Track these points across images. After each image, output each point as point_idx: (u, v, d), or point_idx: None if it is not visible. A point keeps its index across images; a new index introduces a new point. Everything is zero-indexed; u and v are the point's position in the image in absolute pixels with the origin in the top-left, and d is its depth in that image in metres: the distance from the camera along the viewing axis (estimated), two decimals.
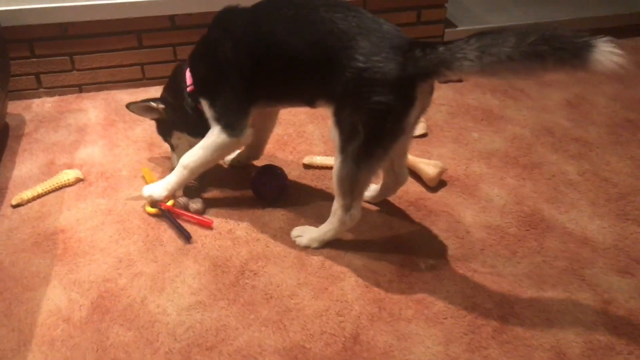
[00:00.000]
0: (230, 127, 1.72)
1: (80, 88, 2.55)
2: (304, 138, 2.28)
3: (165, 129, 1.96)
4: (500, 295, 1.61)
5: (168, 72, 2.55)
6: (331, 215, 1.72)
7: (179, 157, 1.91)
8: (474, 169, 2.12)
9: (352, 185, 1.62)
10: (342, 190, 1.64)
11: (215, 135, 1.74)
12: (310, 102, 1.70)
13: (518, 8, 3.13)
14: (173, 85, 1.88)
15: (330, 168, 2.07)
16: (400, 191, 1.97)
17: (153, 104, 1.89)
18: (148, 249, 1.75)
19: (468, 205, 1.94)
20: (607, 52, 1.26)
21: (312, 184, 2.03)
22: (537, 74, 1.36)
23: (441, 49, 1.42)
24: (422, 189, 2.01)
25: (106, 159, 2.13)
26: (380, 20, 1.55)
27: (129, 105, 1.91)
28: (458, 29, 2.90)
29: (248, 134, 1.75)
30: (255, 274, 1.67)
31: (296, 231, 1.80)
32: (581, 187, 2.04)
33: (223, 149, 1.77)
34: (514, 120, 2.42)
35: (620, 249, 1.77)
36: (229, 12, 1.73)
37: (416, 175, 2.05)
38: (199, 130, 1.82)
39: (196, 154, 1.78)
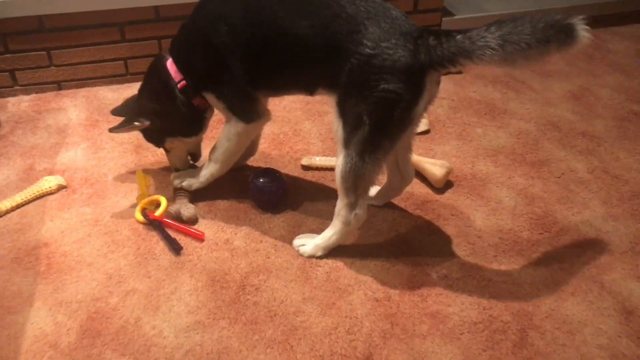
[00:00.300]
0: (246, 113, 1.66)
1: (58, 85, 2.39)
2: (301, 137, 2.16)
3: (155, 137, 1.81)
4: (518, 306, 1.52)
5: None
6: (334, 217, 1.62)
7: (178, 158, 1.79)
8: (481, 167, 2.02)
9: (356, 180, 1.52)
10: (346, 186, 1.54)
11: (234, 125, 1.67)
12: (311, 90, 1.59)
13: None
14: (157, 87, 1.71)
15: (331, 169, 1.98)
16: (405, 193, 1.87)
17: (137, 124, 1.71)
18: (140, 263, 1.62)
19: (477, 208, 1.84)
20: (584, 30, 1.29)
21: (313, 186, 1.92)
22: (543, 59, 1.34)
23: (459, 37, 1.35)
24: (429, 191, 1.90)
25: (90, 163, 1.98)
26: (388, 5, 1.47)
27: (111, 130, 1.72)
28: (455, 17, 2.79)
29: (266, 113, 1.70)
30: (256, 288, 1.55)
31: (298, 240, 1.69)
32: (592, 185, 1.95)
33: (247, 136, 1.73)
34: (517, 114, 2.32)
35: (638, 253, 1.70)
36: None
37: (421, 176, 1.95)
38: (194, 128, 1.74)
39: (223, 146, 1.73)
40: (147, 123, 1.71)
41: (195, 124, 1.75)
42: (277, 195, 1.81)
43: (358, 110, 1.44)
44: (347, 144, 1.48)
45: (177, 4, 2.32)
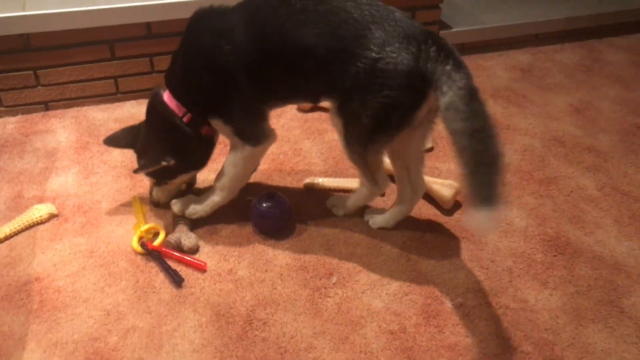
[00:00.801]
0: (253, 136, 1.61)
1: (46, 105, 2.29)
2: (302, 156, 2.09)
3: (166, 175, 1.68)
4: (538, 335, 1.46)
5: (144, 85, 2.36)
6: (359, 186, 1.73)
7: (170, 192, 1.71)
8: None
9: (364, 163, 1.61)
10: (359, 167, 1.64)
11: (240, 150, 1.63)
12: (316, 98, 1.60)
13: (512, 8, 2.99)
14: (162, 126, 1.60)
15: (335, 190, 1.91)
16: (413, 216, 1.81)
17: (165, 163, 1.60)
18: (139, 298, 1.53)
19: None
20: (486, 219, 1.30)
21: (317, 208, 1.84)
22: None
23: (447, 67, 1.36)
24: (437, 212, 1.84)
25: (82, 189, 1.89)
26: (392, 8, 1.45)
27: (136, 171, 1.64)
28: (453, 30, 2.75)
29: (272, 134, 1.66)
30: (264, 323, 1.47)
31: (331, 200, 1.82)
32: (602, 203, 1.91)
33: (254, 160, 1.71)
34: (521, 130, 2.28)
35: None
36: (210, 15, 1.52)
37: (429, 196, 1.88)
38: (206, 158, 1.69)
39: (230, 173, 1.67)
40: (172, 162, 1.60)
41: (206, 153, 1.68)
42: (281, 220, 1.74)
43: (359, 113, 1.47)
44: (347, 134, 1.55)
45: (169, 20, 2.24)
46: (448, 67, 1.35)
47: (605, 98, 2.53)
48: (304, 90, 1.57)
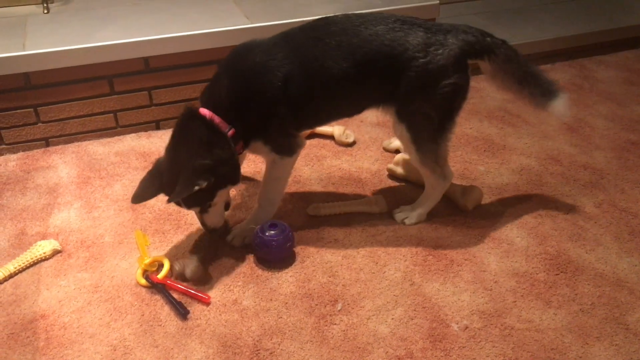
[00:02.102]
0: (288, 151, 1.76)
1: (47, 142, 2.31)
2: (302, 184, 2.11)
3: (203, 197, 1.61)
4: (545, 355, 1.47)
5: (144, 118, 2.39)
6: (428, 189, 1.88)
7: (218, 214, 1.71)
8: (488, 207, 1.98)
9: (436, 160, 1.79)
10: (430, 168, 1.79)
11: (279, 163, 1.76)
12: (360, 112, 1.82)
13: (501, 30, 3.05)
14: (207, 140, 1.57)
15: (339, 214, 1.92)
16: (416, 238, 1.83)
17: (197, 187, 1.54)
18: (145, 332, 1.53)
19: (490, 250, 1.80)
20: (562, 105, 1.74)
21: (319, 235, 1.86)
22: (514, 93, 1.82)
23: (488, 38, 1.72)
24: (439, 235, 1.86)
25: (85, 224, 1.90)
26: (399, 16, 1.70)
27: (170, 200, 1.56)
28: None
29: (303, 141, 1.80)
30: (271, 353, 1.47)
31: (400, 214, 1.91)
32: (601, 220, 1.93)
33: (292, 166, 1.83)
34: (517, 150, 2.31)
35: None
36: (256, 49, 1.66)
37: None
38: (239, 173, 1.70)
39: (275, 186, 1.82)
40: (204, 184, 1.55)
41: (239, 168, 1.70)
42: (284, 248, 1.74)
43: (424, 110, 1.68)
44: (418, 139, 1.73)
45: (167, 55, 2.28)
46: (487, 38, 1.72)
47: (598, 115, 2.57)
48: (346, 109, 1.80)
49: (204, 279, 1.68)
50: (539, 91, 1.75)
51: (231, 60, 1.69)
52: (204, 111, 1.61)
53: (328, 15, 1.74)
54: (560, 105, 1.74)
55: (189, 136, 1.59)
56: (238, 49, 1.69)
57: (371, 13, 1.75)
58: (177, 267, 1.67)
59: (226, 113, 1.61)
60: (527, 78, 1.75)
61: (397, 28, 1.65)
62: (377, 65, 1.65)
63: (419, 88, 1.65)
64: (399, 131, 1.74)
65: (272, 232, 1.73)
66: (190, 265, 1.67)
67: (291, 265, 1.74)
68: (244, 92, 1.63)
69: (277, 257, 1.75)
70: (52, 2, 2.55)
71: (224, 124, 1.61)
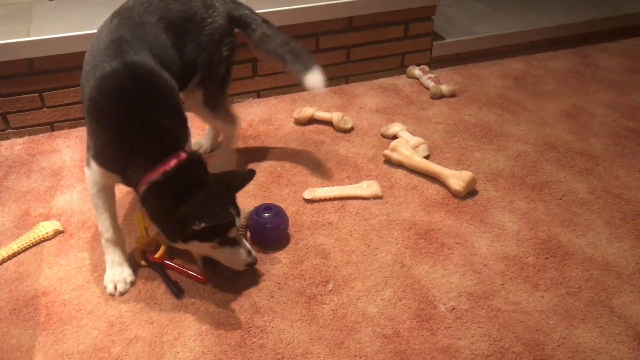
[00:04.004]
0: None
1: (52, 126, 2.37)
2: (299, 169, 2.14)
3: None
4: (529, 336, 1.50)
5: None
6: (226, 136, 2.06)
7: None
8: (482, 192, 2.01)
9: (227, 110, 1.99)
10: (223, 118, 1.98)
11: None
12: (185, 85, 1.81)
13: (504, 17, 3.05)
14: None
15: (335, 199, 1.96)
16: (408, 223, 1.86)
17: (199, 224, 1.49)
18: (142, 309, 1.59)
19: (481, 235, 1.83)
20: (316, 79, 1.84)
21: (314, 219, 1.89)
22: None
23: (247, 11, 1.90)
24: (431, 219, 1.89)
25: (87, 206, 1.95)
26: None
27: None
28: (446, 41, 2.81)
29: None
30: (262, 330, 1.52)
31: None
32: (594, 206, 1.94)
33: None
34: (514, 136, 2.32)
35: None
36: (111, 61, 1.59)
37: (419, 196, 1.94)
38: None
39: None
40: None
41: None
42: (278, 231, 1.79)
43: (217, 68, 1.82)
44: (212, 97, 1.87)
45: None
46: (246, 11, 1.89)
47: (598, 103, 2.57)
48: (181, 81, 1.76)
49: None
50: (298, 67, 1.86)
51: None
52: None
53: (124, 3, 1.73)
54: (311, 79, 1.83)
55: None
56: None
57: None
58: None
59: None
60: (286, 55, 1.87)
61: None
62: (183, 26, 1.72)
63: (211, 48, 1.77)
64: (195, 97, 1.84)
65: (267, 214, 1.77)
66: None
67: (285, 247, 1.78)
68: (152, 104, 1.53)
69: (271, 239, 1.79)
70: None
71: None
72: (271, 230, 1.77)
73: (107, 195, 1.62)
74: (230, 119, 2.02)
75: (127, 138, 1.47)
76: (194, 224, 1.43)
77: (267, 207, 1.79)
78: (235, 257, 1.58)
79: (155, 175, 1.45)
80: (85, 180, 1.63)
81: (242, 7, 1.90)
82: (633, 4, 3.21)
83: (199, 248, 1.56)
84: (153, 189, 1.46)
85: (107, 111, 1.48)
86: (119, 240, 1.66)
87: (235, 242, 1.56)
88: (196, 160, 1.52)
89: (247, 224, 1.80)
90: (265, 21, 1.91)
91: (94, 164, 1.55)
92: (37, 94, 2.29)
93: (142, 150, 1.47)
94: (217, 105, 1.92)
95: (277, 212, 1.78)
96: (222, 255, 1.57)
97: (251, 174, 1.63)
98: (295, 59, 1.87)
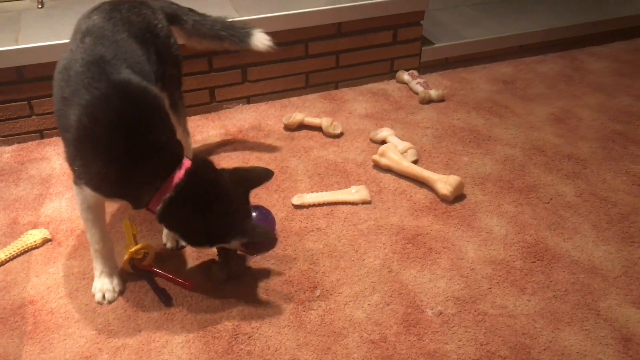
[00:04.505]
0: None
1: (41, 134, 2.37)
2: (288, 174, 2.15)
3: None
4: (515, 340, 1.51)
5: None
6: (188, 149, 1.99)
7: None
8: (469, 196, 2.02)
9: (185, 119, 1.98)
10: (184, 126, 1.95)
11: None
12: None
13: (493, 21, 3.07)
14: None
15: (324, 204, 1.96)
16: (396, 227, 1.87)
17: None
18: (129, 317, 1.59)
19: (468, 239, 1.83)
20: (261, 38, 1.93)
21: (303, 224, 1.90)
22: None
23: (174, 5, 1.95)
24: (419, 224, 1.89)
25: (75, 214, 1.95)
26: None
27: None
28: (435, 45, 2.83)
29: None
30: (249, 337, 1.52)
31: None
32: (581, 209, 1.96)
33: None
34: (502, 140, 2.33)
35: (631, 277, 1.69)
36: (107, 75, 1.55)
37: (408, 201, 1.94)
38: None
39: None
40: None
41: None
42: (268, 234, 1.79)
43: (172, 72, 1.83)
44: (173, 103, 1.85)
45: None
46: (174, 5, 1.93)
47: (586, 106, 2.58)
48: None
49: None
50: (237, 38, 1.93)
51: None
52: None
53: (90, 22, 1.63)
54: (257, 39, 1.92)
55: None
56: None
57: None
58: (217, 270, 1.68)
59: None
60: (221, 33, 1.93)
61: (135, 7, 1.74)
62: (145, 38, 1.69)
63: (165, 51, 1.77)
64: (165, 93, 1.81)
65: (255, 216, 1.77)
66: (236, 262, 1.69)
67: (273, 253, 1.79)
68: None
69: (260, 245, 1.79)
70: None
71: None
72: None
73: (97, 210, 1.60)
74: (187, 129, 1.99)
75: (130, 163, 1.41)
76: (233, 239, 1.51)
77: (255, 208, 1.79)
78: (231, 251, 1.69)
79: (168, 191, 1.44)
80: (76, 197, 1.59)
81: (169, 3, 1.94)
82: (620, 8, 3.24)
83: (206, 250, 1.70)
84: (171, 206, 1.44)
85: (104, 138, 1.40)
86: (108, 251, 1.66)
87: None
88: (202, 164, 1.51)
89: None
90: (191, 10, 1.95)
91: (87, 189, 1.50)
92: (25, 102, 2.29)
93: (148, 171, 1.44)
94: (180, 108, 1.91)
95: (263, 214, 1.79)
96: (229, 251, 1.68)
97: (269, 174, 1.63)
98: (232, 32, 1.92)
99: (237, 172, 1.58)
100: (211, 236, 1.51)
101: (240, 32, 1.93)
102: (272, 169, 2.14)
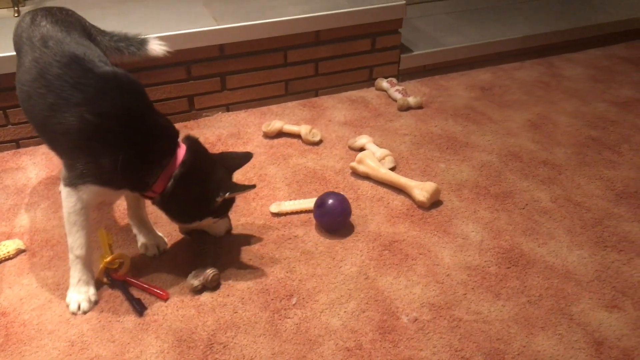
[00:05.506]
0: None
1: (17, 143, 2.35)
2: (266, 182, 2.15)
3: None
4: (489, 346, 1.52)
5: None
6: None
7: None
8: (446, 203, 2.03)
9: None
10: None
11: None
12: None
13: (471, 29, 3.10)
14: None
15: (302, 212, 1.97)
16: (373, 234, 1.87)
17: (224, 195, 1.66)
18: (103, 327, 1.57)
19: (444, 245, 1.85)
20: (156, 43, 1.95)
21: (280, 232, 1.90)
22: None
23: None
24: (396, 230, 1.90)
25: (50, 224, 1.94)
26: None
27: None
28: (414, 53, 2.85)
29: None
30: (224, 346, 1.52)
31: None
32: (556, 214, 1.98)
33: None
34: (479, 147, 2.35)
35: (604, 281, 1.71)
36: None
37: (385, 208, 1.95)
38: None
39: None
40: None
41: None
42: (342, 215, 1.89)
43: None
44: None
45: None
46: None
47: (562, 112, 2.62)
48: None
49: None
50: (135, 47, 1.94)
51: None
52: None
53: (43, 29, 1.66)
54: (152, 45, 1.95)
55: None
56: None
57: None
58: (195, 282, 1.66)
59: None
60: (120, 44, 1.92)
61: (64, 11, 1.77)
62: (86, 37, 1.77)
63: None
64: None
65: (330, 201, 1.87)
66: (210, 275, 1.67)
67: (250, 262, 1.78)
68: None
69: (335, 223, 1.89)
70: (24, 6, 2.58)
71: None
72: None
73: (87, 213, 1.60)
74: None
75: (141, 147, 1.51)
76: (219, 195, 1.62)
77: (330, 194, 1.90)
78: (223, 225, 1.83)
79: (173, 169, 1.55)
80: (64, 199, 1.57)
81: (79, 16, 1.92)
82: (596, 15, 3.29)
83: (207, 223, 1.72)
84: (181, 181, 1.56)
85: (113, 129, 1.47)
86: (88, 258, 1.65)
87: (226, 215, 1.81)
88: (197, 141, 1.66)
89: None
90: (92, 25, 1.91)
91: (89, 187, 1.53)
92: (1, 111, 2.27)
93: (157, 153, 1.54)
94: None
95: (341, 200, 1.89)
96: (215, 225, 1.80)
97: (249, 156, 1.78)
98: (129, 42, 1.93)
99: (220, 155, 1.75)
100: (211, 208, 1.66)
101: (136, 41, 1.94)
102: (250, 177, 2.16)
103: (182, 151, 1.58)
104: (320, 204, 1.88)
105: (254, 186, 1.69)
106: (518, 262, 1.78)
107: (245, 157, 1.77)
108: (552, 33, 3.12)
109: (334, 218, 1.88)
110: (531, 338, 1.54)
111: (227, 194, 1.63)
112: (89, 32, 1.81)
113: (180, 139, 1.64)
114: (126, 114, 1.50)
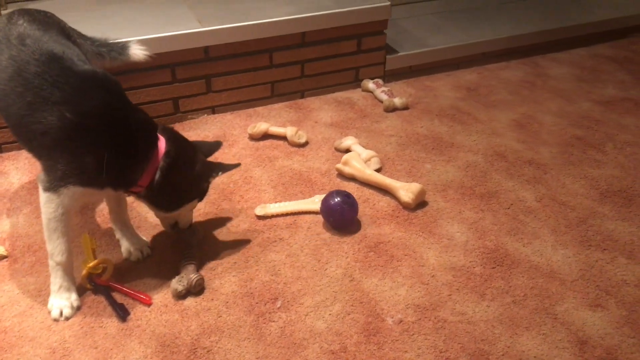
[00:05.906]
0: None
1: None
2: (252, 184, 2.14)
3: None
4: (474, 346, 1.52)
5: None
6: None
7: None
8: (431, 203, 2.03)
9: None
10: None
11: None
12: None
13: (456, 29, 3.11)
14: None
15: (287, 214, 1.96)
16: (358, 236, 1.87)
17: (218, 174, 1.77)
18: (86, 333, 1.56)
19: (429, 246, 1.85)
20: (137, 48, 1.94)
21: (265, 235, 1.89)
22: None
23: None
24: (381, 232, 1.90)
25: (33, 229, 1.92)
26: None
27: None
28: (399, 54, 2.85)
29: None
30: (208, 351, 1.50)
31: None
32: (540, 214, 1.98)
33: None
34: (465, 147, 2.36)
35: (588, 280, 1.72)
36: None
37: (371, 209, 1.95)
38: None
39: None
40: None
41: None
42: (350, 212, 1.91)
43: None
44: None
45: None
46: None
47: (547, 112, 2.63)
48: None
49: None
50: (116, 52, 1.93)
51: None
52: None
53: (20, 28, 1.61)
54: (134, 50, 1.94)
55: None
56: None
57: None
58: (179, 287, 1.64)
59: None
60: (101, 50, 1.91)
61: (41, 13, 1.74)
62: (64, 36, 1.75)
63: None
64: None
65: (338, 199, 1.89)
66: (195, 280, 1.66)
67: (234, 265, 1.77)
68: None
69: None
70: (5, 9, 2.55)
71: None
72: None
73: (69, 219, 1.58)
74: None
75: (124, 144, 1.52)
76: (212, 176, 1.72)
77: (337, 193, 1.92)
78: (190, 214, 1.82)
79: (157, 162, 1.57)
80: (44, 205, 1.55)
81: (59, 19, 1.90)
82: (580, 15, 3.31)
83: (184, 211, 1.74)
84: (168, 173, 1.58)
85: (96, 128, 1.47)
86: (70, 264, 1.63)
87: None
88: (171, 131, 1.67)
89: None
90: (72, 29, 1.88)
91: (71, 189, 1.51)
92: None
93: (141, 148, 1.55)
94: None
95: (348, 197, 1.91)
96: (190, 214, 1.81)
97: (219, 144, 1.86)
98: (110, 48, 1.92)
99: (195, 143, 1.76)
100: (198, 191, 1.73)
101: (117, 46, 1.94)
102: (235, 180, 2.15)
103: (162, 143, 1.60)
104: (347, 194, 1.91)
105: (239, 164, 1.83)
106: (503, 262, 1.78)
107: (216, 144, 1.85)
108: (537, 33, 3.14)
109: (352, 214, 1.92)
110: (516, 338, 1.54)
111: (221, 173, 1.73)
112: (69, 34, 1.78)
113: None
114: (107, 112, 1.50)
